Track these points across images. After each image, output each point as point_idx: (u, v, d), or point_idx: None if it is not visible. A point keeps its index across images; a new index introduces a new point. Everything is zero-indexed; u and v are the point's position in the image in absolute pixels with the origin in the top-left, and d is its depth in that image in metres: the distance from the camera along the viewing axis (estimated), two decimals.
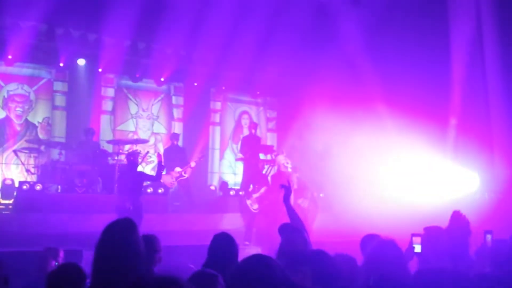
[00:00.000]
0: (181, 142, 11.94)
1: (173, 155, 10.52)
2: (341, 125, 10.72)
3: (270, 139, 14.23)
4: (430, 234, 3.54)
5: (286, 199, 4.59)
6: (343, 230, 8.71)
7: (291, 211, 4.51)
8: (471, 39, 9.52)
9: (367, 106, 10.71)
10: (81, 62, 11.37)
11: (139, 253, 2.75)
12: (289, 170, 8.72)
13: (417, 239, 3.50)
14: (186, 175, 10.36)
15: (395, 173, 10.45)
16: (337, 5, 9.99)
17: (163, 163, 8.27)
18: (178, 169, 10.24)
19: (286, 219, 4.52)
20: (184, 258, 4.11)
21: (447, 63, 9.72)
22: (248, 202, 9.19)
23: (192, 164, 10.51)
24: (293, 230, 4.06)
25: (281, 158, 8.81)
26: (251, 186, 9.38)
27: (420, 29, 10.26)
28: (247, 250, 7.80)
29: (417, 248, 3.49)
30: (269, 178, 10.03)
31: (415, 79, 10.32)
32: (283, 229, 4.13)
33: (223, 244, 3.68)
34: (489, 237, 3.57)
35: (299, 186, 8.84)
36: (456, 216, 3.57)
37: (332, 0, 9.61)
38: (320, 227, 8.73)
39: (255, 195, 9.09)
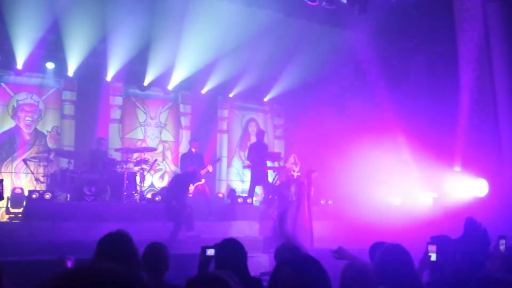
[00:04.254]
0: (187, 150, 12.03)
1: (189, 161, 10.63)
2: (348, 131, 10.70)
3: (277, 146, 14.23)
4: (444, 243, 3.45)
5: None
6: (352, 238, 8.65)
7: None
8: (479, 47, 9.48)
9: (375, 112, 10.68)
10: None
11: (134, 259, 2.79)
12: (296, 175, 8.73)
13: (433, 248, 3.41)
14: (203, 180, 10.39)
15: (402, 179, 10.38)
16: (344, 12, 9.99)
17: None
18: None
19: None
20: (192, 266, 4.09)
21: (455, 71, 9.68)
22: (270, 210, 9.36)
23: (210, 168, 10.62)
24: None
25: (289, 164, 8.85)
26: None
27: (426, 37, 10.24)
28: (255, 258, 7.79)
29: (433, 257, 3.38)
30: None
31: (421, 85, 10.29)
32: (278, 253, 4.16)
33: (231, 250, 3.62)
34: (503, 242, 3.47)
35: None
36: (471, 224, 3.22)
37: (339, 7, 9.62)
38: (329, 235, 8.70)
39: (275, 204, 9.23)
